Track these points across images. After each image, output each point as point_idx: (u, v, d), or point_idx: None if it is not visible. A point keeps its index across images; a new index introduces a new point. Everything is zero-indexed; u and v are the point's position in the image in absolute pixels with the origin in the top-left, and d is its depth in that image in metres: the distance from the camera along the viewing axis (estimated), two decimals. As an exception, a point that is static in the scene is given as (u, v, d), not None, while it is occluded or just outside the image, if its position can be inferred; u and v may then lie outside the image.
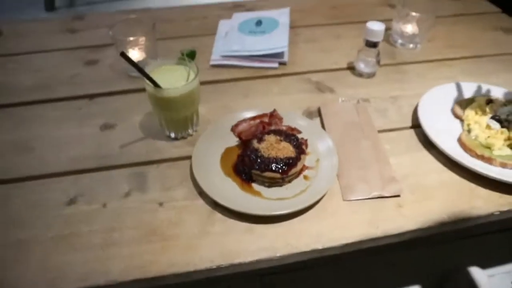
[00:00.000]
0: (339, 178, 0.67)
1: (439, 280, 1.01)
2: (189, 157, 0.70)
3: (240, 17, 1.11)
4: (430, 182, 0.68)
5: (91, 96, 0.86)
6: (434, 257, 1.06)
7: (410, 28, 1.00)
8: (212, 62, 0.95)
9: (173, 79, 0.69)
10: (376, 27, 0.85)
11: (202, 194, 0.64)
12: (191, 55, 0.95)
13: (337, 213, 0.63)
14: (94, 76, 0.92)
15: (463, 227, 0.65)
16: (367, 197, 0.65)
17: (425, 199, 0.65)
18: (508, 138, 0.72)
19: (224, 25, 1.10)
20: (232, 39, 1.00)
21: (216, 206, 0.63)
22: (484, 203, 0.65)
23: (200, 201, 0.64)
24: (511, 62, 0.99)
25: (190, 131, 0.75)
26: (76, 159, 0.71)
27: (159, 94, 0.67)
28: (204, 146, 0.70)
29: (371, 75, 0.91)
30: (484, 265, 1.03)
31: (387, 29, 1.03)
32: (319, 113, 0.80)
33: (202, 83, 0.89)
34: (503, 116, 0.74)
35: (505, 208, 0.65)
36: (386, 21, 1.04)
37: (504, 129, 0.73)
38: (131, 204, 0.64)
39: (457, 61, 0.98)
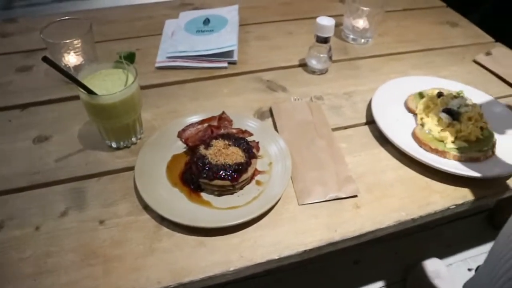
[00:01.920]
0: (293, 181, 0.64)
1: (402, 275, 1.01)
2: (132, 168, 0.64)
3: (187, 15, 1.06)
4: (386, 179, 0.66)
5: (24, 106, 0.78)
6: (396, 252, 1.06)
7: (361, 23, 0.99)
8: (157, 64, 0.89)
9: (110, 84, 0.64)
10: (326, 22, 0.83)
11: (147, 208, 0.59)
12: (130, 57, 0.89)
13: (293, 218, 0.59)
14: (28, 83, 0.84)
15: (420, 223, 0.64)
16: (323, 200, 0.62)
17: (382, 197, 0.63)
18: (460, 131, 0.71)
19: (170, 25, 1.04)
20: (178, 39, 0.95)
21: (163, 220, 0.58)
22: (440, 197, 0.64)
23: (146, 216, 0.59)
24: (458, 55, 1.00)
25: (133, 139, 0.69)
26: (5, 178, 0.64)
27: (95, 101, 0.61)
28: (149, 155, 0.65)
29: (323, 72, 0.89)
30: (443, 255, 1.04)
31: (339, 24, 1.02)
32: (271, 113, 0.77)
33: (147, 86, 0.83)
34: (454, 109, 0.74)
35: (460, 201, 0.65)
36: (338, 16, 1.03)
37: (456, 122, 0.72)
38: (69, 225, 0.58)
39: (408, 55, 0.98)
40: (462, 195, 0.65)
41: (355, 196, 0.63)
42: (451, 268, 1.04)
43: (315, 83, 0.86)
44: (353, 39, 1.00)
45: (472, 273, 1.03)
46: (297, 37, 1.01)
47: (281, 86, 0.84)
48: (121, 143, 0.69)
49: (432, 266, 0.97)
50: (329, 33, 0.84)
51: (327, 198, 0.62)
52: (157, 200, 0.58)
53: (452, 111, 0.73)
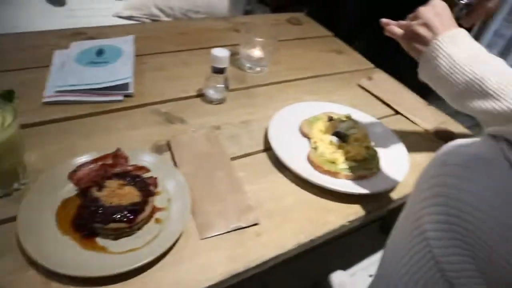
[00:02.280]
0: (194, 215, 0.63)
1: (311, 291, 1.05)
2: (15, 219, 0.58)
3: (78, 46, 1.01)
4: (286, 204, 0.69)
5: None
6: (303, 269, 1.09)
7: (256, 53, 1.04)
8: (45, 99, 0.83)
9: (-17, 127, 0.57)
10: (220, 53, 0.85)
11: (33, 263, 0.53)
12: (8, 96, 0.81)
13: (196, 254, 0.58)
14: None
15: (319, 242, 0.67)
16: (225, 231, 0.62)
17: (282, 222, 0.66)
18: (348, 151, 0.77)
19: (60, 56, 0.98)
20: (68, 72, 0.89)
21: (52, 274, 0.52)
22: (335, 216, 0.68)
23: (32, 272, 0.53)
24: (345, 80, 1.10)
25: (15, 185, 0.63)
26: None
27: (-37, 147, 0.54)
28: (34, 202, 0.59)
29: (221, 101, 0.90)
30: (346, 266, 1.11)
31: (235, 53, 1.05)
32: (169, 147, 0.76)
33: (32, 124, 0.76)
34: (342, 131, 0.80)
35: (352, 218, 0.69)
36: (234, 46, 1.06)
37: (344, 144, 0.78)
38: None
39: (301, 82, 1.05)
40: (354, 212, 0.70)
41: (256, 224, 0.64)
42: (355, 277, 1.11)
43: (213, 113, 0.87)
44: (250, 68, 1.04)
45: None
46: (194, 67, 1.02)
47: (179, 118, 0.84)
48: (1, 191, 0.62)
49: (337, 278, 1.02)
50: (225, 64, 0.86)
51: (228, 230, 0.62)
52: (44, 252, 0.53)
53: (341, 133, 0.79)
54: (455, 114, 1.07)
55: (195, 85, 0.94)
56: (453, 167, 0.45)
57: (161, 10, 1.74)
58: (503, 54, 2.04)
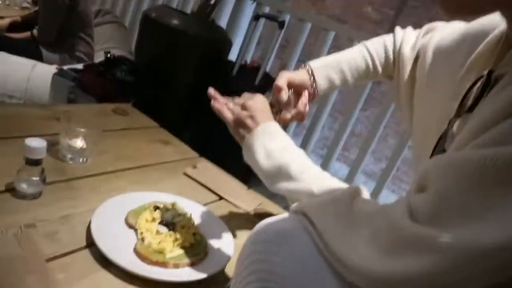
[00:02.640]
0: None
1: None
2: None
3: None
4: (111, 303, 0.64)
5: None
6: None
7: (78, 143, 1.00)
8: None
9: None
10: (36, 144, 0.79)
11: None
12: None
13: None
14: None
15: None
16: None
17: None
18: (176, 239, 0.79)
19: None
20: None
21: None
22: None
23: None
24: (171, 169, 1.14)
25: None
26: None
27: None
28: None
29: (36, 196, 0.82)
30: None
31: (56, 143, 0.99)
32: (-35, 254, 0.64)
33: None
34: (169, 220, 0.82)
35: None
36: (54, 135, 1.00)
37: (171, 232, 0.80)
38: None
39: (127, 172, 1.04)
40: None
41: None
42: None
43: (26, 209, 0.78)
44: (71, 159, 0.99)
45: None
46: (3, 159, 0.91)
47: (-18, 218, 0.72)
48: None
49: None
50: (40, 155, 0.80)
51: None
52: None
53: (168, 222, 0.81)
54: (272, 196, 1.22)
55: (3, 179, 0.84)
56: (263, 244, 0.51)
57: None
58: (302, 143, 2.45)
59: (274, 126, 0.74)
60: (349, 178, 2.34)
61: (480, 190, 0.34)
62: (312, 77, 0.84)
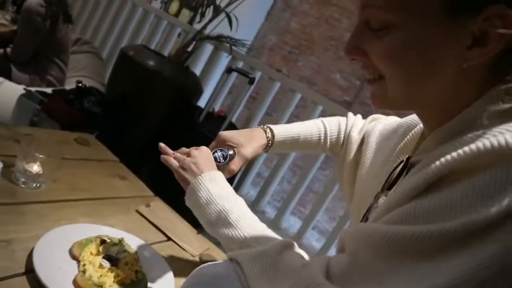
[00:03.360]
0: None
1: None
2: None
3: None
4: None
5: None
6: None
7: (35, 168, 1.00)
8: None
9: None
10: None
11: None
12: None
13: None
14: None
15: None
16: None
17: None
18: (118, 275, 0.80)
19: None
20: None
21: None
22: None
23: None
24: (124, 205, 1.16)
25: None
26: None
27: None
28: None
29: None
30: None
31: (11, 165, 0.99)
32: None
33: None
34: (113, 255, 0.83)
35: None
36: (11, 157, 1.01)
37: (114, 267, 0.81)
38: None
39: (79, 203, 1.05)
40: None
41: None
42: None
43: (-32, 228, 0.77)
44: (24, 183, 0.99)
45: None
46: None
47: None
48: None
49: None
50: None
51: None
52: None
53: (112, 257, 0.82)
54: (220, 243, 1.25)
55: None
56: (199, 286, 0.55)
57: None
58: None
59: (218, 175, 0.79)
60: (301, 232, 2.40)
61: (383, 259, 0.41)
62: (270, 140, 0.92)
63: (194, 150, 0.82)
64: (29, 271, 0.74)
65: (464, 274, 0.35)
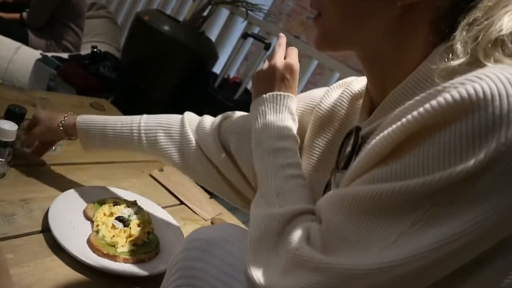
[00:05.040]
0: None
1: None
2: None
3: None
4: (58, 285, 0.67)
5: None
6: None
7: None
8: None
9: None
10: (7, 126, 0.82)
11: None
12: None
13: None
14: None
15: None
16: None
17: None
18: (130, 236, 0.82)
19: None
20: None
21: None
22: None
23: None
24: (138, 169, 1.17)
25: None
26: None
27: None
28: None
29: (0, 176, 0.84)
30: None
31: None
32: None
33: None
34: (125, 216, 0.85)
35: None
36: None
37: (127, 228, 0.83)
38: None
39: (93, 166, 1.07)
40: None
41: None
42: None
43: (-13, 188, 0.80)
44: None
45: None
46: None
47: None
48: None
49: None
50: (10, 138, 0.83)
51: (-19, 317, 0.56)
52: None
53: (124, 218, 0.84)
54: (233, 209, 1.27)
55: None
56: (191, 251, 0.55)
57: None
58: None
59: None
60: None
61: (357, 220, 0.40)
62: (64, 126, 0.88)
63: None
64: (46, 230, 0.77)
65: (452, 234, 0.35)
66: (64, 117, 0.88)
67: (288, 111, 0.65)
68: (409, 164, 0.39)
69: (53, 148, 1.03)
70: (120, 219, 0.84)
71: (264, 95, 0.66)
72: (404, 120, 0.39)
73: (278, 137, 0.61)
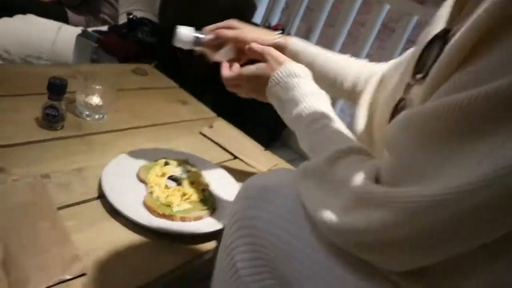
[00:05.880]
0: (9, 272, 0.57)
1: None
2: None
3: None
4: (119, 251, 0.67)
5: None
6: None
7: (94, 100, 1.02)
8: None
9: None
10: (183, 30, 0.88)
11: None
12: None
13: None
14: None
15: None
16: (46, 286, 0.57)
17: (113, 270, 0.63)
18: (184, 194, 0.80)
19: None
20: None
21: None
22: (173, 258, 0.69)
23: None
24: (187, 128, 1.15)
25: None
26: None
27: None
28: None
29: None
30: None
31: (72, 100, 1.01)
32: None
33: None
34: (177, 175, 0.83)
35: (190, 258, 0.71)
36: (72, 93, 1.02)
37: (180, 187, 0.81)
38: None
39: (142, 130, 1.06)
40: (192, 252, 0.72)
41: (84, 274, 0.60)
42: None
43: (41, 161, 0.81)
44: (88, 115, 1.01)
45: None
46: (25, 112, 0.93)
47: (0, 168, 0.76)
48: None
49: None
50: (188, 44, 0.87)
51: (49, 284, 0.57)
52: None
53: (176, 177, 0.82)
54: (289, 160, 1.21)
55: (25, 125, 0.87)
56: (247, 201, 0.51)
57: (-4, 54, 1.60)
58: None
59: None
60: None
61: (428, 143, 0.34)
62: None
63: None
64: (101, 196, 0.77)
65: None
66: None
67: (292, 76, 0.68)
68: (495, 62, 0.30)
69: (100, 116, 1.03)
70: (172, 178, 0.82)
71: (267, 87, 0.71)
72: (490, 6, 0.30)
73: (295, 105, 0.65)
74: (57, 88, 0.87)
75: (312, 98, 0.66)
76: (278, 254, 0.46)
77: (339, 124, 0.61)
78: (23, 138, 0.86)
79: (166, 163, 0.87)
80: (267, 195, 0.49)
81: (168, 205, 0.77)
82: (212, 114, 1.30)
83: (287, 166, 1.15)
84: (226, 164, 1.05)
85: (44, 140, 0.87)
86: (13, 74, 1.11)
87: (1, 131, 0.85)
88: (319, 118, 0.62)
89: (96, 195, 0.77)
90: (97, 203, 0.75)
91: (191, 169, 0.87)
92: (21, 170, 0.77)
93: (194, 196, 0.81)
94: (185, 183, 0.82)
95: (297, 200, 0.48)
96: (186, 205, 0.79)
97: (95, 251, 0.65)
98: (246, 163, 1.09)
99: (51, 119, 0.88)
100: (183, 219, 0.76)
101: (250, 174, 1.04)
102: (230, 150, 1.11)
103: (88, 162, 0.85)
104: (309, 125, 0.62)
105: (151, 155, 0.91)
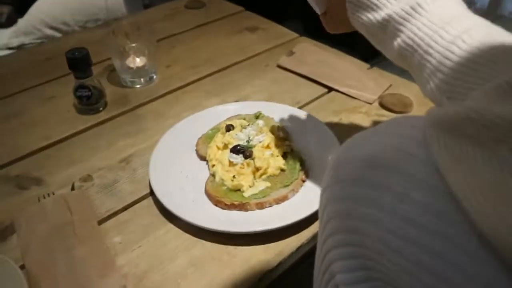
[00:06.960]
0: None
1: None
2: None
3: None
4: (177, 269, 0.53)
5: None
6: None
7: (136, 60, 0.86)
8: None
9: None
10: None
11: None
12: None
13: None
14: None
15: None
16: None
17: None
18: (257, 169, 0.61)
19: None
20: None
21: None
22: (248, 268, 0.53)
23: None
24: (260, 64, 0.93)
25: None
26: None
27: None
28: None
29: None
30: None
31: (112, 69, 0.88)
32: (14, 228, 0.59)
33: None
34: (242, 144, 0.63)
35: (279, 259, 0.54)
36: (105, 60, 0.89)
37: (249, 160, 0.62)
38: None
39: (201, 82, 0.88)
40: (280, 251, 0.55)
41: (136, 312, 0.48)
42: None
43: (81, 159, 0.69)
44: (132, 82, 0.87)
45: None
46: (59, 101, 0.83)
47: (35, 179, 0.66)
48: None
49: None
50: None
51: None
52: None
53: (241, 148, 0.63)
54: (405, 73, 0.91)
55: (61, 124, 0.77)
56: (343, 186, 0.31)
57: (56, 29, 1.58)
58: None
59: None
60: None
61: None
62: None
63: None
64: (153, 192, 0.63)
65: None
66: None
67: None
68: None
69: (147, 78, 0.88)
70: (236, 149, 0.63)
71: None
72: None
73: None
74: (78, 63, 0.73)
75: None
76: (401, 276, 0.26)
77: None
78: (61, 133, 0.75)
79: (228, 128, 0.68)
80: (374, 175, 0.29)
81: (238, 190, 0.59)
82: (292, 34, 1.05)
83: (406, 83, 0.85)
84: (318, 102, 0.82)
85: (85, 129, 0.76)
86: (50, 53, 1.00)
87: (35, 130, 0.76)
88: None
89: (148, 190, 0.64)
90: (149, 202, 0.62)
91: (263, 127, 0.67)
92: (60, 177, 0.66)
93: (273, 167, 0.61)
94: (257, 150, 0.63)
95: (434, 175, 0.26)
96: (262, 184, 0.60)
97: (147, 276, 0.52)
98: (346, 94, 0.83)
99: (86, 102, 0.76)
100: (260, 206, 0.58)
101: (354, 109, 0.79)
102: (320, 80, 0.87)
103: (138, 145, 0.72)
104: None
105: (213, 118, 0.73)
